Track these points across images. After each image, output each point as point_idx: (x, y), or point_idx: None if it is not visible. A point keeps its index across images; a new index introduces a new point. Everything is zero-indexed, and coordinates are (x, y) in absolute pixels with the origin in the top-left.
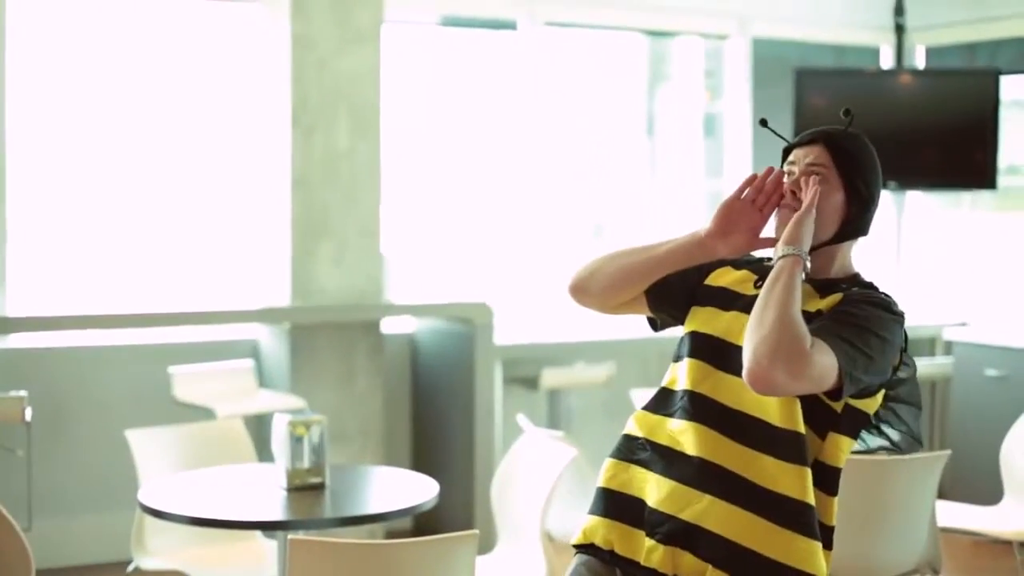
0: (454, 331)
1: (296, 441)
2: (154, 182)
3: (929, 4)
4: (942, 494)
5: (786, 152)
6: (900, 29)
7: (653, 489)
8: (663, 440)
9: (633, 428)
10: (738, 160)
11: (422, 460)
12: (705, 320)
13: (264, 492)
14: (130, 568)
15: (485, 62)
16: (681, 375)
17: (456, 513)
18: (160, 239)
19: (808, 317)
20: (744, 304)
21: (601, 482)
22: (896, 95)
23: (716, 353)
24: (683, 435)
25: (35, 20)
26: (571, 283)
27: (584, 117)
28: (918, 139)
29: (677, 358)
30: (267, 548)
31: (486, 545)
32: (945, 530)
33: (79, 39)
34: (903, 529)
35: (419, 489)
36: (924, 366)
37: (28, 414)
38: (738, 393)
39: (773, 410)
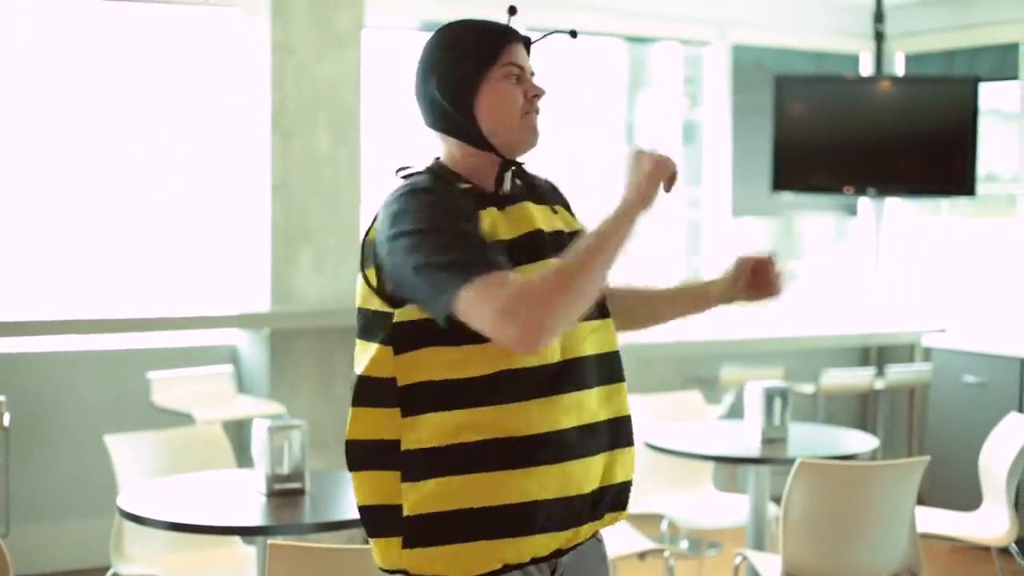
0: None
1: (276, 446)
2: (133, 187)
3: (909, 11)
4: (921, 500)
5: (501, 43)
6: (880, 36)
7: (556, 479)
8: (539, 429)
9: (491, 432)
10: (717, 168)
11: None
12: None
13: (243, 497)
14: (108, 574)
15: None
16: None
17: None
18: (139, 244)
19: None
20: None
21: (483, 502)
22: (875, 102)
23: None
24: (560, 413)
25: (14, 26)
26: (538, 332)
27: (564, 122)
28: (897, 146)
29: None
30: (246, 554)
31: None
32: (924, 536)
33: (58, 45)
34: (883, 535)
35: None
36: (902, 372)
37: (6, 419)
38: (571, 344)
39: (611, 336)
